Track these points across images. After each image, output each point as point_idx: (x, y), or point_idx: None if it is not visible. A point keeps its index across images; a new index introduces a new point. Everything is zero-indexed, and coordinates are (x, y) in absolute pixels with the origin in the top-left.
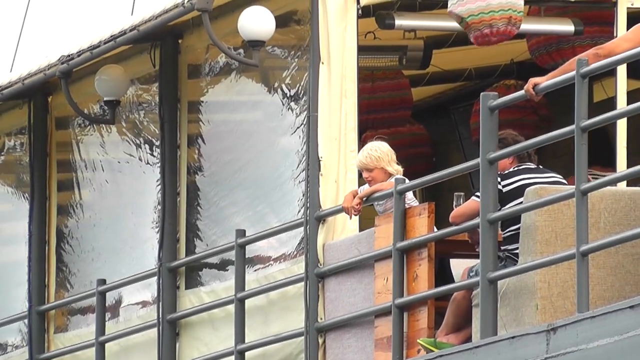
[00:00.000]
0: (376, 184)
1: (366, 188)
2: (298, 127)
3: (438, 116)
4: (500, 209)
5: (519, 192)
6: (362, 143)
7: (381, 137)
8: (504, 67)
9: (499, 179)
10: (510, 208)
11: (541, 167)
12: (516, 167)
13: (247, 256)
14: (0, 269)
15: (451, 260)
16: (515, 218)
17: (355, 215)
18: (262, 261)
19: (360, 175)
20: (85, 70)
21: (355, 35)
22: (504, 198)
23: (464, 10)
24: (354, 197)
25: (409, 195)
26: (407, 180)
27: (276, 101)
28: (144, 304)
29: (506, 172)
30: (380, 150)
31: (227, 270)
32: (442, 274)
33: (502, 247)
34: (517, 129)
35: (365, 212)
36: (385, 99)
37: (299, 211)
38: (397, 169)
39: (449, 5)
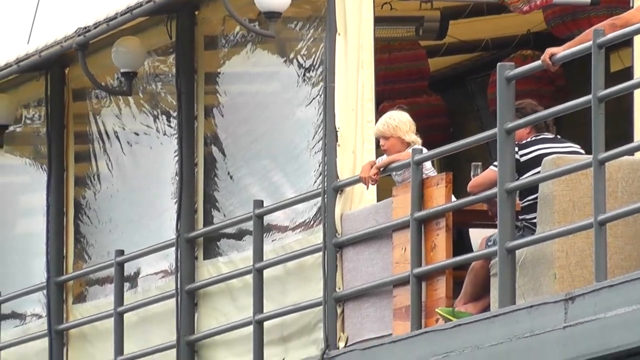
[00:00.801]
0: (392, 153)
1: (384, 158)
2: (314, 98)
3: (455, 87)
4: (518, 179)
5: (536, 161)
6: (379, 114)
7: (401, 107)
8: (521, 38)
9: (516, 149)
10: (527, 178)
11: (559, 137)
12: (534, 136)
13: (264, 226)
14: (18, 240)
15: (470, 230)
16: (533, 188)
17: (373, 184)
18: (280, 231)
19: (378, 145)
20: (101, 42)
21: (371, 6)
22: (522, 168)
23: None
24: (372, 167)
25: (427, 165)
26: (424, 151)
27: (292, 72)
28: (162, 274)
29: (524, 141)
30: (399, 119)
31: (245, 240)
32: (461, 244)
33: (520, 217)
34: (534, 99)
35: (383, 182)
36: (402, 69)
37: (315, 182)
38: (414, 139)
39: None
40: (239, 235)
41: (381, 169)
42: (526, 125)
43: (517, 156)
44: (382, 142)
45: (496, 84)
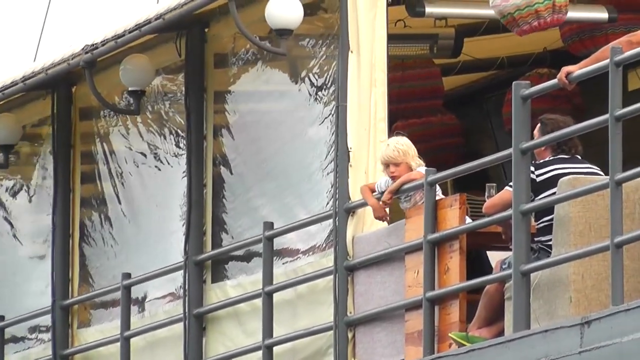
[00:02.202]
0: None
1: (386, 182)
2: (326, 117)
3: (470, 106)
4: (533, 200)
5: (552, 182)
6: (392, 133)
7: (400, 133)
8: (537, 56)
9: (532, 169)
10: (543, 199)
11: (578, 156)
12: (551, 156)
13: (274, 249)
14: (23, 262)
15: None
16: (548, 209)
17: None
18: (290, 254)
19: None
20: (109, 60)
21: (385, 23)
22: (538, 188)
23: (509, 5)
24: (372, 193)
25: (437, 188)
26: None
27: (304, 91)
28: (169, 298)
29: (540, 161)
30: (407, 145)
31: (254, 263)
32: (480, 268)
33: (536, 239)
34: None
35: (395, 204)
36: (416, 88)
37: (327, 203)
38: (420, 163)
39: (491, 1)
40: (248, 258)
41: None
42: (541, 145)
43: (533, 176)
44: (392, 168)
45: (511, 103)
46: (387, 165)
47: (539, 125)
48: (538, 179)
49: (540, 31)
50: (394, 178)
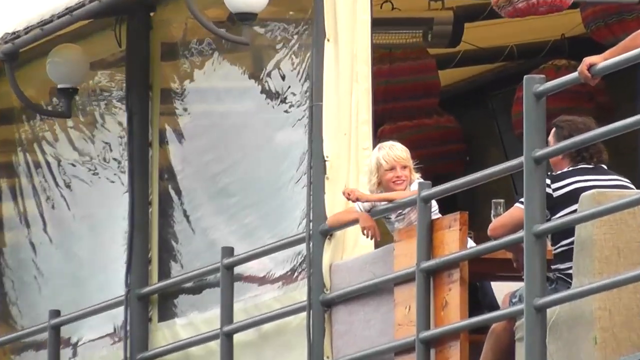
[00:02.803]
0: (403, 188)
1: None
2: (298, 120)
3: (472, 105)
4: (549, 219)
5: (572, 197)
6: (377, 139)
7: (387, 139)
8: (553, 44)
9: (548, 181)
10: (561, 218)
11: (603, 166)
12: (570, 166)
13: (235, 280)
14: None
15: (493, 283)
16: (568, 230)
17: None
18: (254, 286)
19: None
20: (34, 51)
21: (368, 5)
22: (555, 204)
23: None
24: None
25: (433, 204)
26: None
27: (270, 88)
28: (108, 340)
29: (557, 173)
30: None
31: (210, 297)
32: (482, 301)
33: (552, 267)
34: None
35: (382, 224)
36: (407, 84)
37: (299, 224)
38: (417, 176)
39: None
40: (202, 292)
41: (373, 204)
42: (560, 152)
43: (549, 190)
44: (400, 171)
45: (522, 102)
46: (392, 168)
47: (553, 129)
48: (555, 194)
49: (540, 12)
50: (399, 185)
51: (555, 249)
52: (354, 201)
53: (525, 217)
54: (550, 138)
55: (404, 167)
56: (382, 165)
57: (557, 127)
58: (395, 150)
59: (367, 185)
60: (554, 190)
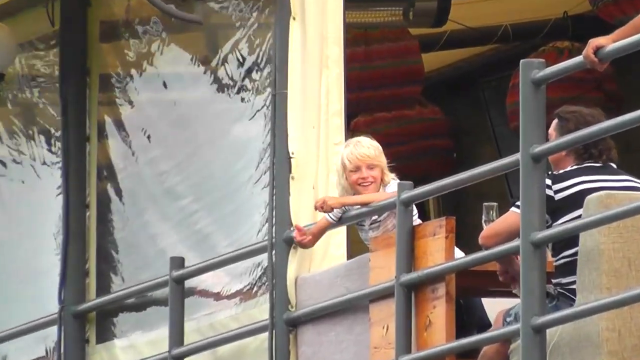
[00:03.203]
0: (375, 190)
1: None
2: (258, 111)
3: (460, 94)
4: (550, 225)
5: (577, 200)
6: (350, 133)
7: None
8: (554, 23)
9: (549, 182)
10: (564, 224)
11: (612, 165)
12: (575, 164)
13: (186, 296)
14: None
15: (484, 300)
16: (571, 239)
17: (304, 242)
18: (208, 303)
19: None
20: None
21: None
22: (557, 209)
23: None
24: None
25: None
26: None
27: (226, 74)
28: None
29: (560, 172)
30: (378, 145)
31: (156, 315)
32: (469, 320)
33: (554, 281)
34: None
35: (354, 233)
36: (385, 69)
37: (259, 230)
38: (392, 177)
39: None
40: (147, 309)
41: (344, 209)
42: (562, 148)
43: (549, 192)
44: (365, 172)
45: (518, 90)
46: (356, 169)
47: (555, 121)
48: (557, 197)
49: None
50: (366, 188)
51: (556, 261)
52: (329, 212)
53: (521, 223)
54: (552, 131)
55: (371, 166)
56: (347, 166)
57: (561, 119)
58: (360, 148)
59: (337, 188)
60: (556, 192)
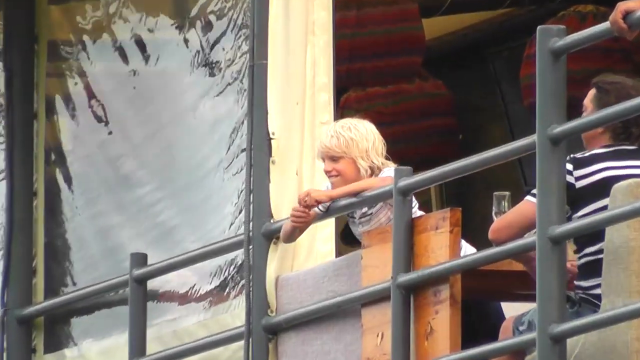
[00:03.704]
0: (344, 183)
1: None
2: (229, 84)
3: (467, 66)
4: (571, 217)
5: (602, 188)
6: (340, 110)
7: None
8: None
9: (570, 167)
10: (587, 216)
11: None
12: (604, 146)
13: (148, 298)
14: None
15: (504, 305)
16: (595, 234)
17: (300, 225)
18: (172, 307)
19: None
20: None
21: None
22: (578, 198)
23: None
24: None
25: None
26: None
27: (195, 41)
28: None
29: (584, 154)
30: (358, 132)
31: (111, 321)
32: (484, 328)
33: (575, 282)
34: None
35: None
36: (380, 36)
37: (231, 223)
38: (384, 163)
39: None
40: (102, 313)
41: (329, 203)
42: (584, 129)
43: (570, 179)
44: (327, 165)
45: (534, 61)
46: (322, 159)
47: (593, 91)
48: (578, 184)
49: None
50: (333, 183)
51: (578, 260)
52: (314, 206)
53: (537, 215)
54: (587, 103)
55: (334, 158)
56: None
57: (600, 89)
58: (323, 136)
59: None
60: (577, 178)
